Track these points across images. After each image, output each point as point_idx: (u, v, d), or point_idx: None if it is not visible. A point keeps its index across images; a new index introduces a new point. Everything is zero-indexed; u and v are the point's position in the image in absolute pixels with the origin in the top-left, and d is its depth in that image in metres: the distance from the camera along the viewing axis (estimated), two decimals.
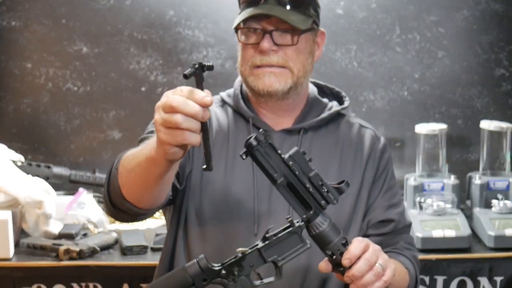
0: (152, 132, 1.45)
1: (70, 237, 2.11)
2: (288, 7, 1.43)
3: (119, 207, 1.33)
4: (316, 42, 1.53)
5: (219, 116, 1.57)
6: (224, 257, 1.22)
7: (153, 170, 1.22)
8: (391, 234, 1.55)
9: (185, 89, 1.13)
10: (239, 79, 1.58)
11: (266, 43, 1.43)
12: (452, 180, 2.29)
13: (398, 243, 1.56)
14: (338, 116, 1.59)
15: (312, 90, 1.60)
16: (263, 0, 1.43)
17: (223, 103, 1.59)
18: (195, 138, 1.12)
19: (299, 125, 1.53)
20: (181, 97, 1.11)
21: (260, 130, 1.20)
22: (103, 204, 1.39)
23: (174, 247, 1.52)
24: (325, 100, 1.61)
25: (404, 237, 1.58)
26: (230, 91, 1.60)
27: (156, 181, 1.25)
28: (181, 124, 1.10)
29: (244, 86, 1.56)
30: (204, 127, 1.15)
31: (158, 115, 1.13)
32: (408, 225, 1.61)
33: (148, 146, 1.22)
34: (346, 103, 1.61)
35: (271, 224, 1.24)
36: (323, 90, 1.65)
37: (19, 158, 2.31)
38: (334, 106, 1.60)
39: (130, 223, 2.14)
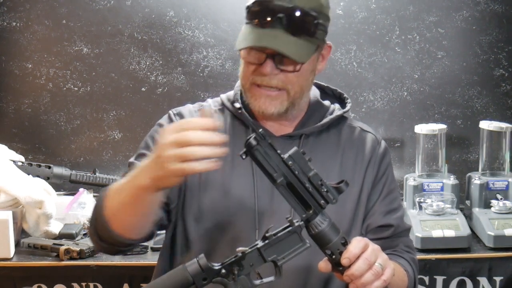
0: (142, 155, 1.48)
1: (70, 237, 2.12)
2: (294, 33, 1.37)
3: (107, 240, 1.37)
4: (321, 55, 1.49)
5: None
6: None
7: (145, 198, 1.26)
8: (390, 238, 1.55)
9: (192, 122, 1.18)
10: (239, 83, 1.57)
11: (267, 68, 1.39)
12: (451, 180, 2.29)
13: (398, 246, 1.56)
14: (339, 119, 1.58)
15: (314, 93, 1.59)
16: (268, 23, 1.37)
17: (223, 106, 1.58)
18: (208, 164, 1.17)
19: (299, 131, 1.52)
20: (193, 132, 1.16)
21: (260, 130, 1.20)
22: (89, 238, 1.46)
23: (172, 255, 1.52)
24: (326, 102, 1.60)
25: (403, 241, 1.58)
26: (230, 94, 1.57)
27: (147, 208, 1.29)
28: (196, 154, 1.15)
29: None
30: None
31: (171, 152, 1.16)
32: (408, 229, 1.61)
33: (138, 176, 1.25)
34: (348, 106, 1.60)
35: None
36: (325, 91, 1.64)
37: (20, 158, 2.32)
38: (336, 109, 1.58)
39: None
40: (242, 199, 1.47)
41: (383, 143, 1.61)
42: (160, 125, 1.55)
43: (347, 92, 2.34)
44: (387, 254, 1.31)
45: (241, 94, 1.55)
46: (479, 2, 2.50)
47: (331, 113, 1.57)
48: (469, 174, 2.38)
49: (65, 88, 2.53)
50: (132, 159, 1.51)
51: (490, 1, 2.50)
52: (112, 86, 2.53)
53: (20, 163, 2.24)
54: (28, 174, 2.19)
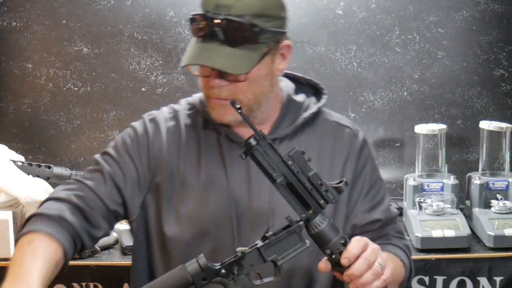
0: (106, 153, 1.49)
1: None
2: (232, 44, 1.33)
3: None
4: (280, 54, 1.43)
5: (189, 125, 1.52)
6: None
7: None
8: (378, 229, 1.54)
9: None
10: None
11: (215, 81, 1.38)
12: (451, 180, 2.29)
13: (388, 234, 1.55)
14: (315, 114, 1.54)
15: (287, 89, 1.54)
16: (205, 36, 1.35)
17: (195, 109, 1.54)
18: None
19: (272, 135, 1.49)
20: None
21: (260, 130, 1.21)
22: None
23: (150, 263, 1.51)
24: (301, 97, 1.55)
25: (392, 227, 1.57)
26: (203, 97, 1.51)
27: None
28: None
29: None
30: None
31: None
32: (394, 217, 1.59)
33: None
34: (323, 99, 1.56)
35: (253, 240, 1.23)
36: (300, 82, 1.60)
37: (20, 158, 2.32)
38: (311, 104, 1.54)
39: None
40: (219, 207, 1.45)
41: (360, 135, 1.56)
42: (134, 128, 1.53)
43: (347, 92, 2.33)
44: (379, 243, 1.30)
45: None
46: (479, 2, 2.50)
47: (306, 109, 1.53)
48: (469, 174, 2.38)
49: (65, 88, 2.53)
50: (97, 155, 1.50)
51: (490, 1, 2.50)
52: (112, 86, 2.53)
53: (20, 163, 2.24)
54: (28, 174, 2.19)
